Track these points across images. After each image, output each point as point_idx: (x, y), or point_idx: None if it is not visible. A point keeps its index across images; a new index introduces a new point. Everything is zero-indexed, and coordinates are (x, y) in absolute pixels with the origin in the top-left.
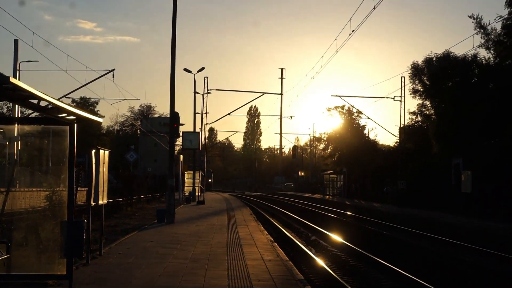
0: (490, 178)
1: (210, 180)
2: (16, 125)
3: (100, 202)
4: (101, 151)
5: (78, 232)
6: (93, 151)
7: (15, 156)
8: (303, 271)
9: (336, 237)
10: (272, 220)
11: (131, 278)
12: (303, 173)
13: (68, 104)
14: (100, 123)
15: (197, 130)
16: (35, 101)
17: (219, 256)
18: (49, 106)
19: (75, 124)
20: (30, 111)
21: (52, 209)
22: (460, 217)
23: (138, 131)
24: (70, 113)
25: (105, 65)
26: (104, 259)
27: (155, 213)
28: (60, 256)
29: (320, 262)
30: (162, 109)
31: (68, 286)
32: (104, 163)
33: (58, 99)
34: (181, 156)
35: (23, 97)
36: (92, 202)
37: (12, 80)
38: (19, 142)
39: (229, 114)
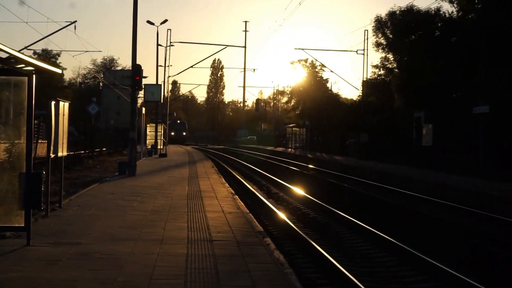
0: (451, 131)
1: (184, 133)
2: None
3: (60, 154)
4: (61, 103)
5: (36, 183)
6: (53, 102)
7: None
8: (263, 223)
9: (297, 190)
10: (234, 173)
11: (90, 230)
12: (266, 127)
13: (29, 56)
14: (61, 74)
15: (160, 83)
16: None
17: (180, 208)
18: (7, 57)
19: (34, 76)
20: None
21: (11, 161)
22: (420, 170)
23: (100, 83)
24: (28, 63)
25: (67, 16)
26: (63, 211)
27: (116, 166)
28: (18, 208)
29: (281, 214)
30: (125, 61)
31: (26, 237)
32: (64, 115)
33: (19, 51)
34: (144, 109)
35: None
36: (51, 154)
37: None
38: None
39: (191, 66)
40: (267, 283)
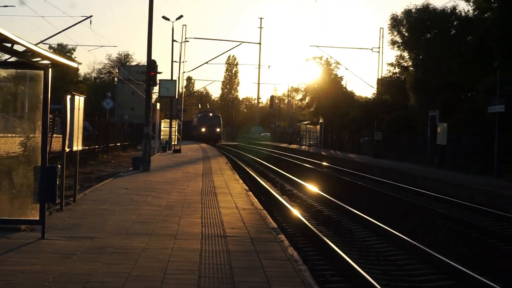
0: (465, 130)
1: (218, 130)
2: None
3: (75, 148)
4: (76, 97)
5: (51, 177)
6: (68, 97)
7: None
8: (277, 220)
9: (311, 187)
10: (247, 170)
11: (104, 224)
12: (280, 124)
13: (45, 50)
14: (76, 69)
15: (174, 78)
16: (9, 45)
17: (194, 204)
18: (24, 50)
19: (50, 69)
20: (5, 56)
21: (27, 155)
22: (434, 168)
23: (115, 78)
24: (44, 57)
25: (83, 11)
26: (78, 205)
27: (130, 161)
28: (33, 201)
29: (294, 211)
30: (140, 57)
31: (40, 231)
32: (79, 109)
33: (35, 45)
34: (158, 104)
35: None
36: (66, 148)
37: None
38: None
39: (206, 63)
40: (281, 279)
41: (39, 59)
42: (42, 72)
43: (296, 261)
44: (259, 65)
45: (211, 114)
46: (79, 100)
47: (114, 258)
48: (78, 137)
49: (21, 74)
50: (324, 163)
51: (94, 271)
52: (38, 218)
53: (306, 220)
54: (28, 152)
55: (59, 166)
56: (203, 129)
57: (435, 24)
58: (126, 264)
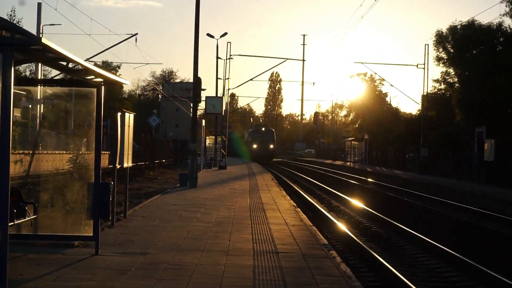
0: None
1: (272, 146)
2: (39, 86)
3: (125, 165)
4: (126, 114)
5: (105, 194)
6: (119, 114)
7: (38, 119)
8: (326, 236)
9: (358, 203)
10: (294, 186)
11: (156, 240)
12: (324, 140)
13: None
14: (124, 85)
15: (219, 95)
16: (64, 63)
17: (243, 220)
18: (78, 68)
19: (102, 87)
20: (55, 73)
21: (78, 171)
22: (482, 185)
23: (159, 95)
24: (98, 75)
25: (128, 29)
26: (128, 222)
27: (177, 177)
28: (86, 218)
29: (343, 227)
30: (183, 74)
31: (94, 247)
32: (129, 126)
33: None
34: (203, 121)
35: (51, 59)
36: (117, 165)
37: (44, 41)
38: (42, 104)
39: (251, 79)
40: None
41: (92, 76)
42: (95, 89)
43: (349, 277)
44: (302, 81)
45: (263, 129)
46: (129, 117)
47: (168, 274)
48: (128, 154)
49: (70, 91)
50: (370, 179)
51: (149, 287)
52: (91, 234)
53: (355, 236)
54: (78, 169)
55: (111, 182)
56: (255, 146)
57: (480, 40)
58: (181, 280)
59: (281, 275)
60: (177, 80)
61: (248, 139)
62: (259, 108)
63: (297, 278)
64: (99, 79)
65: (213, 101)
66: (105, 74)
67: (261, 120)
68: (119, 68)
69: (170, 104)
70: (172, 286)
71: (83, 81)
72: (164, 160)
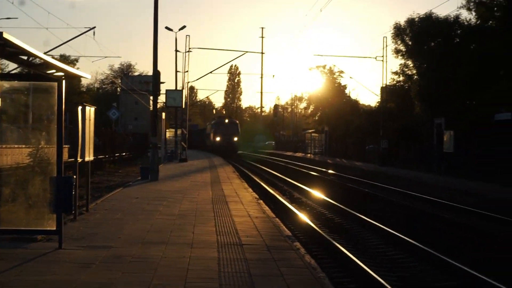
0: (472, 138)
1: (235, 139)
2: None
3: (87, 158)
4: (87, 108)
5: (67, 188)
6: (79, 107)
7: None
8: (289, 228)
9: (320, 195)
10: (255, 178)
11: (119, 234)
12: (284, 132)
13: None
14: (82, 78)
15: (178, 88)
16: (25, 57)
17: (206, 212)
18: (38, 62)
19: (63, 81)
20: (12, 67)
21: (39, 165)
22: (442, 176)
23: (118, 89)
24: (59, 69)
25: (86, 23)
26: (91, 215)
27: (138, 171)
28: (49, 212)
29: (305, 219)
30: (142, 67)
31: (57, 241)
32: (89, 119)
33: None
34: (163, 114)
35: (12, 53)
36: (78, 159)
37: (6, 35)
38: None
39: (210, 72)
40: (302, 287)
41: (53, 71)
42: (56, 83)
43: (314, 269)
44: (261, 74)
45: (227, 121)
46: (90, 111)
47: (133, 267)
48: (89, 148)
49: (30, 85)
50: (330, 171)
51: (115, 280)
52: (55, 228)
53: (318, 227)
54: (39, 163)
55: (74, 176)
56: (218, 138)
57: (438, 33)
58: (146, 273)
59: (246, 267)
60: (136, 73)
61: (210, 132)
62: (218, 101)
63: (262, 270)
64: (60, 73)
65: (173, 94)
66: (66, 68)
67: (223, 113)
68: (77, 61)
69: (129, 97)
70: (137, 279)
71: (44, 75)
72: (124, 154)
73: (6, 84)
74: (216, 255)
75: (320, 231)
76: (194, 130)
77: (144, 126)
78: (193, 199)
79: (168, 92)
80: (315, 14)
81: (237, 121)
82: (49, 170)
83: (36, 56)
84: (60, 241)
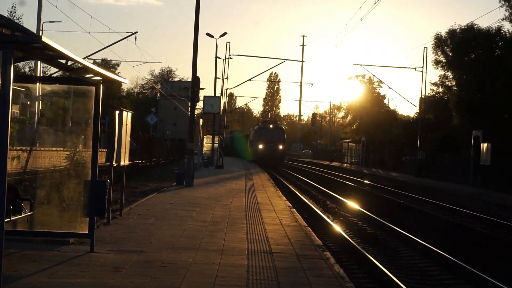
0: (510, 150)
1: (281, 147)
2: (38, 84)
3: (122, 163)
4: (124, 113)
5: (101, 191)
6: (117, 112)
7: (36, 116)
8: (320, 237)
9: (353, 205)
10: (290, 186)
11: (151, 239)
12: (321, 141)
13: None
14: (122, 84)
15: (217, 95)
16: (63, 61)
17: (238, 220)
18: (77, 66)
19: (101, 85)
20: (53, 71)
21: (75, 169)
22: (478, 189)
23: (158, 94)
24: (96, 73)
25: (128, 27)
26: (124, 220)
27: (174, 176)
28: (82, 215)
29: (338, 228)
30: (182, 73)
31: (89, 244)
32: (126, 124)
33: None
34: (201, 120)
35: (51, 57)
36: (114, 163)
37: (44, 39)
38: (40, 101)
39: (250, 79)
40: None
41: (91, 75)
42: (93, 88)
43: (343, 278)
44: (301, 82)
45: (271, 126)
46: (127, 116)
47: (162, 272)
48: (125, 152)
49: (70, 89)
50: (366, 181)
51: (143, 285)
52: (87, 232)
53: (350, 237)
54: (75, 166)
55: (108, 180)
56: (261, 146)
57: (479, 45)
58: (175, 279)
59: (274, 275)
60: (176, 79)
61: (253, 138)
62: (257, 108)
63: (291, 278)
64: (97, 78)
65: (211, 100)
66: (104, 73)
67: (260, 119)
68: (118, 66)
69: (169, 103)
70: (166, 284)
71: (82, 79)
72: (161, 159)
73: (47, 87)
74: (246, 262)
75: (351, 240)
76: (234, 137)
77: (182, 131)
78: (226, 206)
79: (206, 98)
80: (356, 23)
81: (283, 127)
82: (84, 174)
83: (74, 60)
84: (92, 245)
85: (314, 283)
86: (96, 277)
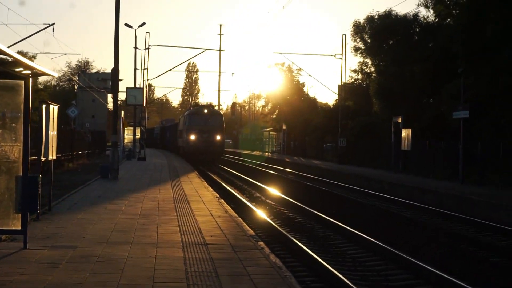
0: (429, 136)
1: (219, 138)
2: None
3: (50, 157)
4: (51, 106)
5: (34, 187)
6: (43, 106)
7: None
8: (251, 227)
9: (279, 194)
10: (214, 177)
11: (84, 233)
12: (242, 130)
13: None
14: (41, 76)
15: (137, 86)
16: None
17: (168, 212)
18: (8, 60)
19: (30, 79)
20: None
21: (4, 164)
22: (399, 174)
23: (75, 86)
24: (27, 67)
25: (46, 19)
26: (54, 215)
27: (97, 169)
28: (14, 211)
29: (267, 218)
30: (99, 64)
31: (22, 241)
32: (53, 118)
33: None
34: (122, 112)
35: None
36: (42, 157)
37: None
38: None
39: (170, 70)
40: (269, 286)
41: (21, 68)
42: (23, 82)
43: (280, 268)
44: (219, 71)
45: (206, 111)
46: (53, 109)
47: (100, 267)
48: (52, 146)
49: (3, 83)
50: (289, 170)
51: (83, 280)
52: (20, 228)
53: (279, 226)
54: (2, 162)
55: (40, 175)
56: (193, 137)
57: (397, 31)
58: (113, 273)
59: (212, 267)
60: (93, 71)
61: (183, 127)
62: (176, 99)
63: (229, 269)
64: (27, 71)
65: (134, 92)
66: (35, 66)
67: (192, 103)
68: (34, 58)
69: (86, 95)
70: (105, 279)
71: (12, 73)
72: (82, 152)
73: None
74: (182, 254)
75: (281, 229)
76: (167, 126)
77: (101, 124)
78: (154, 198)
79: (128, 90)
80: (277, 11)
81: (221, 113)
82: (12, 169)
83: (7, 54)
84: (25, 241)
85: (252, 273)
86: (33, 274)
